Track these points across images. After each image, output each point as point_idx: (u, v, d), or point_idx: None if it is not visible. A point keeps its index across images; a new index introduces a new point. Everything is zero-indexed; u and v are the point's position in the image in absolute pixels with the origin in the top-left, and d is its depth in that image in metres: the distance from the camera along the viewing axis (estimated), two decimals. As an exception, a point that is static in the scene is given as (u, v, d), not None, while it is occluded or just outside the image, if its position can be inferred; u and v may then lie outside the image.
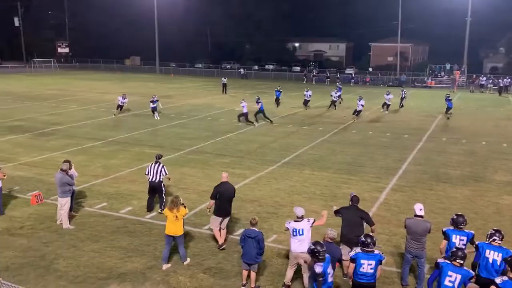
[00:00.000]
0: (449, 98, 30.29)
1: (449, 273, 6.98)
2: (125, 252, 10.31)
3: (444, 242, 8.43)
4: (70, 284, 8.91)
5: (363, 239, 7.57)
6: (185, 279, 9.26)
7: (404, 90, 36.42)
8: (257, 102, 27.04)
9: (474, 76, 57.13)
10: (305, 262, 8.63)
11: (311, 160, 18.60)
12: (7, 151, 19.07)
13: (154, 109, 27.41)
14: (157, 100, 27.63)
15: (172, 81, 56.09)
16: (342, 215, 9.28)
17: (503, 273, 7.22)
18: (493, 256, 7.72)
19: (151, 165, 12.40)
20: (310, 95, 32.95)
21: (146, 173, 12.46)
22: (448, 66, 60.66)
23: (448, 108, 29.63)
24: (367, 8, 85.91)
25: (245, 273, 8.94)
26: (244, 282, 8.97)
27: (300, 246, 8.70)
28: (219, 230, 10.59)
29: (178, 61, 77.09)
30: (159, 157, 12.70)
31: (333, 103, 32.51)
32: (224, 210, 10.55)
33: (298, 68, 77.07)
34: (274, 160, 18.37)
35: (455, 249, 7.17)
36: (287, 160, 18.44)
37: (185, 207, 9.71)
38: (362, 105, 28.15)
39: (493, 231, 7.96)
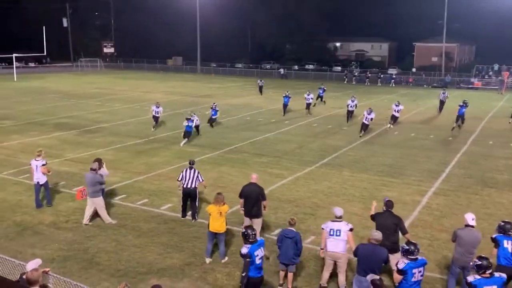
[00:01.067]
0: (466, 104, 25.62)
1: None
2: (165, 248, 10.50)
3: (495, 249, 8.14)
4: (111, 277, 9.17)
5: (407, 247, 7.28)
6: (222, 276, 9.34)
7: (446, 92, 33.21)
8: (212, 110, 25.06)
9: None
10: (338, 262, 8.63)
11: (350, 161, 18.35)
12: (54, 147, 19.84)
13: (188, 132, 21.03)
14: (191, 120, 21.27)
15: (212, 81, 56.73)
16: (376, 220, 9.04)
17: None
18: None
19: (185, 171, 11.98)
20: (311, 98, 30.48)
21: (179, 179, 11.96)
22: (496, 66, 58.41)
23: (459, 117, 24.97)
24: (411, 7, 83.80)
25: (282, 273, 8.93)
26: (281, 282, 8.97)
27: (335, 246, 8.63)
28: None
29: (218, 61, 77.91)
30: (192, 162, 12.29)
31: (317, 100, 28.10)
32: (250, 211, 10.50)
33: (339, 68, 76.15)
34: (312, 160, 18.24)
35: (479, 262, 6.78)
36: (325, 161, 18.27)
37: (224, 204, 9.84)
38: (372, 119, 23.26)
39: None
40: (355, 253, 7.95)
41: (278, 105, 34.57)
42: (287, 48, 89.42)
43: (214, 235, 9.84)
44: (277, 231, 10.86)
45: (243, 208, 10.66)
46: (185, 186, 11.93)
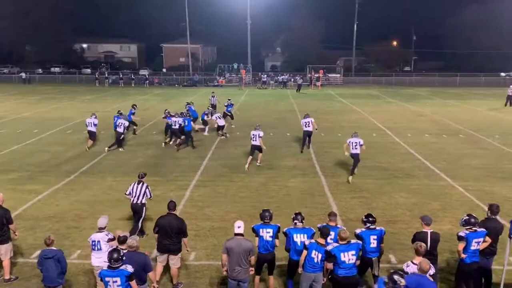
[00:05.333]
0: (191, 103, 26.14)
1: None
2: None
3: (256, 239, 8.44)
4: None
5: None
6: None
7: (215, 96, 30.94)
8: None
9: (260, 74, 62.98)
10: None
11: (112, 166, 17.90)
12: None
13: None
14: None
15: None
16: (159, 223, 8.78)
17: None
18: (300, 238, 8.31)
19: (133, 185, 10.97)
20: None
21: (127, 193, 11.02)
22: (235, 65, 65.43)
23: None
24: (155, 9, 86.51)
25: (48, 298, 8.12)
26: (48, 306, 8.14)
27: (98, 260, 8.25)
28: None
29: None
30: (142, 176, 11.15)
31: None
32: None
33: (89, 70, 73.26)
34: (70, 170, 17.08)
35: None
36: (85, 169, 17.36)
37: None
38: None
39: (294, 215, 8.64)
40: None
41: (25, 112, 31.25)
42: (28, 50, 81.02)
43: None
44: (37, 253, 9.80)
45: None
46: (132, 201, 10.97)
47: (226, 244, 7.98)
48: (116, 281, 6.81)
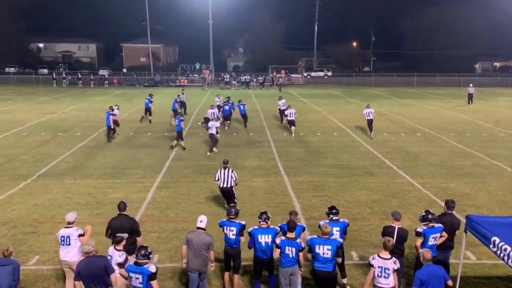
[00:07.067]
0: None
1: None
2: None
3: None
4: None
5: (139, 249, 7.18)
6: None
7: (185, 94, 31.60)
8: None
9: (222, 74, 62.85)
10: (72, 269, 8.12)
11: (71, 168, 17.43)
12: None
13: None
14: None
15: None
16: (111, 226, 8.65)
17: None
18: (264, 239, 8.25)
19: (221, 171, 12.42)
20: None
21: (216, 179, 12.45)
22: (198, 65, 64.98)
23: (147, 109, 27.85)
24: (114, 8, 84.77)
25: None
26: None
27: (66, 254, 8.19)
28: None
29: None
30: (227, 162, 12.72)
31: None
32: None
33: (46, 71, 71.02)
34: (27, 174, 16.52)
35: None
36: (43, 172, 16.83)
37: None
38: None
39: (259, 214, 8.60)
40: (77, 269, 7.35)
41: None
42: (-20, 50, 77.71)
43: None
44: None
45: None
46: (221, 186, 12.43)
47: (187, 236, 8.24)
48: (138, 278, 6.88)
